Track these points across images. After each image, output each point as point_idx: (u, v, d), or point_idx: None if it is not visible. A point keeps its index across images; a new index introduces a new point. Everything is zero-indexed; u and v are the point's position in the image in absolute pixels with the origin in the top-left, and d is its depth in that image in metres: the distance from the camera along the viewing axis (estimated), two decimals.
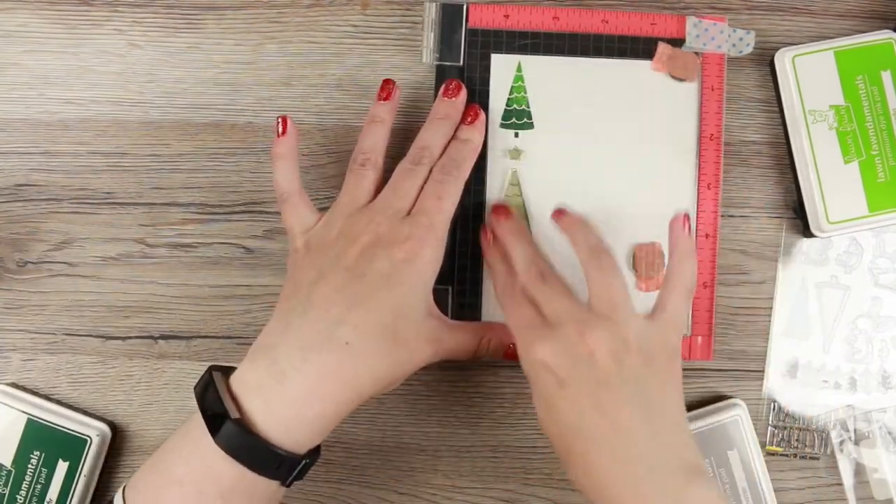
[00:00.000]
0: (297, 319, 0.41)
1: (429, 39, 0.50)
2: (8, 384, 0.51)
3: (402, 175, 0.45)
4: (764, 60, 0.52)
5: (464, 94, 0.48)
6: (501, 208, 0.49)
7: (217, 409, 0.39)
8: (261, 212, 0.51)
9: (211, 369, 0.41)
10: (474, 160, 0.47)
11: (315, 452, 0.42)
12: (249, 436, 0.39)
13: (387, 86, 0.48)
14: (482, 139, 0.48)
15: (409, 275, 0.42)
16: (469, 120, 0.48)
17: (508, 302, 0.45)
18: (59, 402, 0.51)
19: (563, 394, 0.40)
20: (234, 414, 0.39)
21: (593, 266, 0.43)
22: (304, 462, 0.40)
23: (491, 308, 0.50)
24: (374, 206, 0.44)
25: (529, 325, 0.43)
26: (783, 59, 0.50)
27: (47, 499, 0.49)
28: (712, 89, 0.51)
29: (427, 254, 0.43)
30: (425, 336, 0.43)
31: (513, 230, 0.47)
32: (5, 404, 0.49)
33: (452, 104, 0.48)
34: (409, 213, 0.44)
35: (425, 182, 0.45)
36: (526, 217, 0.50)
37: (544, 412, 0.42)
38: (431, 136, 0.47)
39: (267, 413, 0.39)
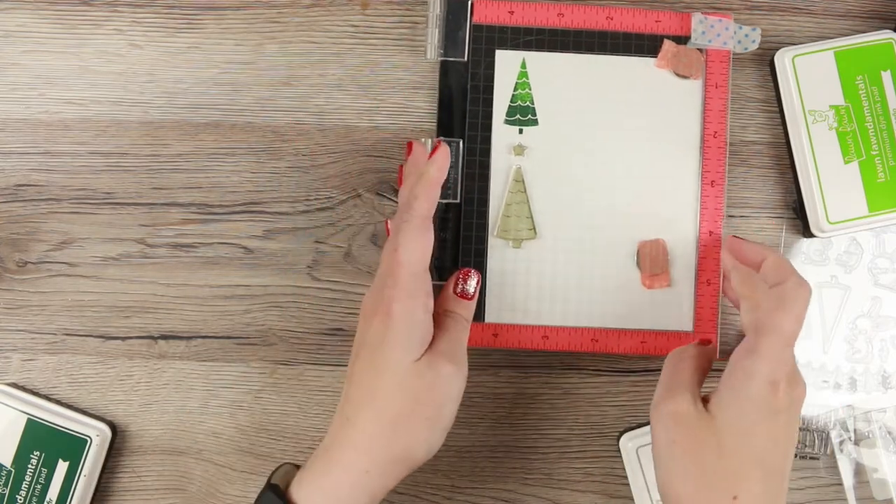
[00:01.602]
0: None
1: (433, 36, 0.50)
2: (8, 384, 0.51)
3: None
4: (764, 60, 0.52)
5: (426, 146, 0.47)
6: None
7: None
8: (261, 212, 0.51)
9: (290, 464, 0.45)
10: (431, 191, 0.45)
11: None
12: (278, 497, 0.41)
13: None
14: (441, 171, 0.46)
15: (391, 336, 0.42)
16: (430, 155, 0.46)
17: (797, 298, 0.42)
18: (59, 402, 0.51)
19: (773, 419, 0.40)
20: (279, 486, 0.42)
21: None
22: None
23: (493, 306, 0.50)
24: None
25: (792, 342, 0.42)
26: (783, 59, 0.50)
27: (47, 499, 0.49)
28: (716, 87, 0.51)
29: (396, 309, 0.42)
30: (439, 363, 0.43)
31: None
32: (5, 404, 0.49)
33: (422, 154, 0.47)
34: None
35: None
36: (529, 214, 0.50)
37: (734, 414, 0.41)
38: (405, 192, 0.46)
39: (298, 485, 0.42)
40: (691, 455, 0.41)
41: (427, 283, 0.44)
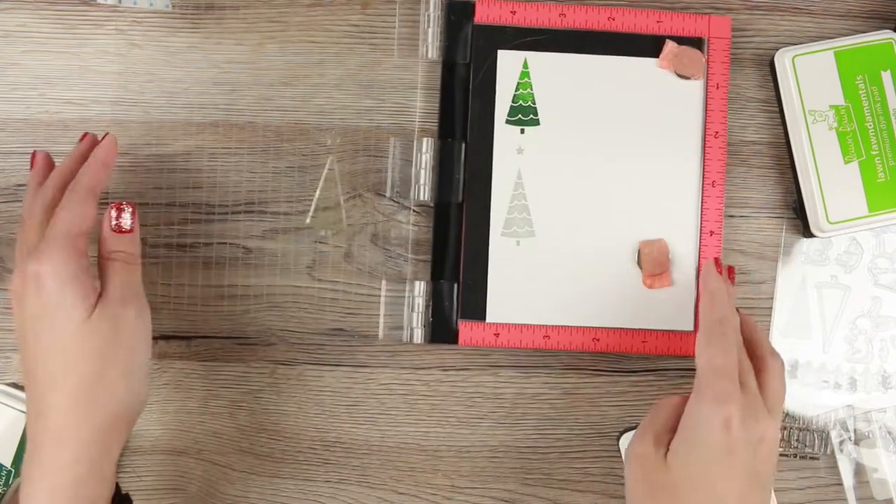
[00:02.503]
0: None
1: (427, 35, 0.50)
2: (8, 384, 0.51)
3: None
4: (764, 60, 0.52)
5: (88, 137, 0.46)
6: (730, 270, 0.49)
7: None
8: (261, 212, 0.51)
9: None
10: (99, 171, 0.44)
11: None
12: None
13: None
14: (101, 149, 0.45)
15: (47, 301, 0.40)
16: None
17: (720, 335, 0.43)
18: None
19: (726, 460, 0.40)
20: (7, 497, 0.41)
21: (777, 361, 0.44)
22: None
23: (495, 306, 0.50)
24: None
25: (731, 377, 0.41)
26: (783, 59, 0.50)
27: None
28: (717, 87, 0.51)
29: (44, 270, 0.40)
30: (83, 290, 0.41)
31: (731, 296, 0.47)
32: (5, 404, 0.49)
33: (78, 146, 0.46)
34: None
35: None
36: (528, 214, 0.50)
37: (684, 457, 0.40)
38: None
39: (25, 500, 0.40)
40: (651, 497, 0.41)
41: (82, 245, 0.41)
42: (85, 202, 0.42)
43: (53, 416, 0.40)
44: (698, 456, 0.40)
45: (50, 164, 0.46)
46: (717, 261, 0.48)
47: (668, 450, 0.41)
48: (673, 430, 0.42)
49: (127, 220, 0.43)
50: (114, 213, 0.43)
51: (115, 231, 0.43)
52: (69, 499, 0.40)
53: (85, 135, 0.47)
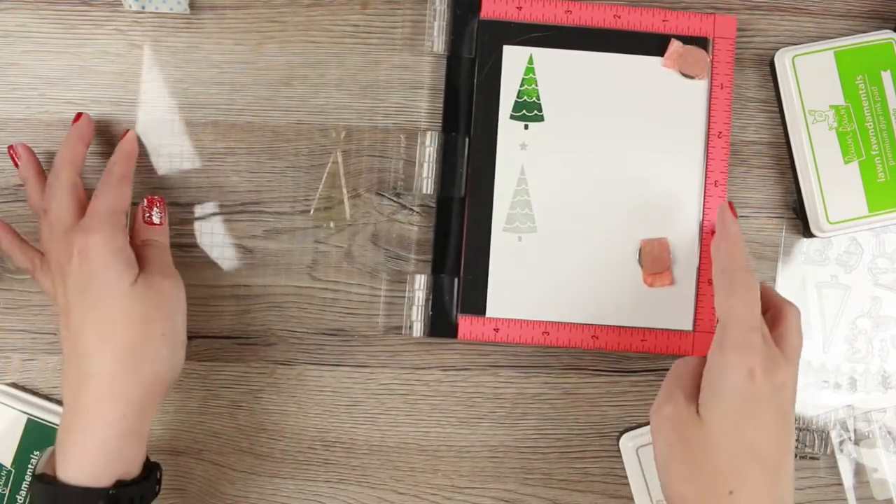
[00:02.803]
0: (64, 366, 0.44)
1: (435, 29, 0.50)
2: (8, 384, 0.51)
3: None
4: (764, 60, 0.52)
5: (84, 118, 0.49)
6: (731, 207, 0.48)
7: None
8: (261, 212, 0.51)
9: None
10: (128, 160, 0.48)
11: (143, 480, 0.44)
12: (46, 485, 0.42)
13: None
14: (124, 139, 0.49)
15: (96, 267, 0.43)
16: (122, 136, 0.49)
17: (744, 284, 0.43)
18: (59, 402, 0.50)
19: (754, 409, 0.40)
20: (39, 469, 0.43)
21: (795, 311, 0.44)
22: (112, 492, 0.42)
23: (495, 301, 0.50)
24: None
25: (753, 327, 0.41)
26: (783, 59, 0.50)
27: None
28: (721, 87, 0.51)
29: (92, 241, 0.43)
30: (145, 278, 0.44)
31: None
32: (5, 404, 0.49)
33: (75, 127, 0.49)
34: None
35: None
36: (531, 209, 0.50)
37: (714, 409, 0.41)
38: (57, 158, 0.47)
39: (63, 461, 0.42)
40: (686, 456, 0.41)
41: (122, 221, 0.45)
42: (121, 186, 0.46)
43: (104, 376, 0.42)
44: (728, 406, 0.40)
45: (34, 154, 0.50)
46: (731, 206, 0.48)
47: (697, 406, 0.41)
48: (698, 387, 0.42)
49: (157, 215, 0.48)
50: (146, 207, 0.48)
51: (147, 223, 0.47)
52: (113, 453, 0.42)
53: (79, 115, 0.49)
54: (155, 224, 0.48)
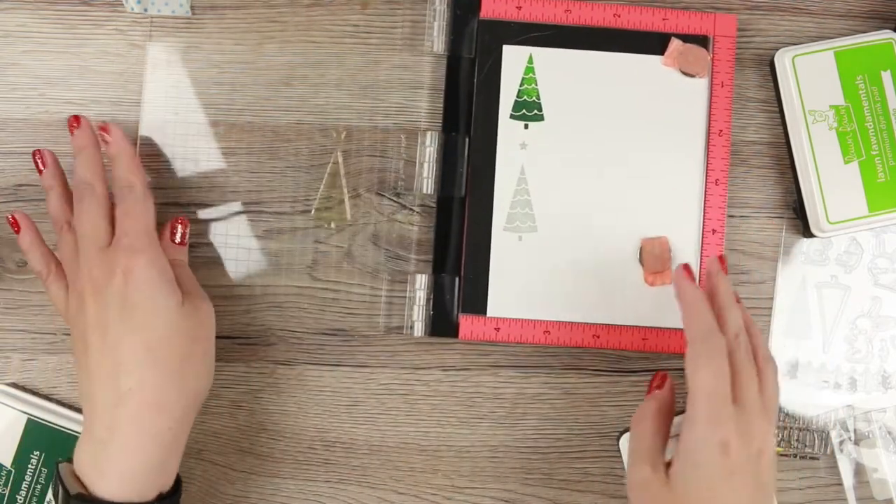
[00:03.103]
0: (84, 382, 0.44)
1: (434, 28, 0.50)
2: (8, 384, 0.51)
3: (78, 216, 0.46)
4: (764, 60, 0.52)
5: (85, 121, 0.49)
6: (721, 259, 0.46)
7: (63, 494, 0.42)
8: (261, 212, 0.51)
9: (57, 463, 0.43)
10: (139, 171, 0.47)
11: (174, 493, 0.44)
12: (89, 501, 0.41)
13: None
14: (125, 142, 0.48)
15: (147, 286, 0.43)
16: (106, 138, 0.48)
17: (706, 354, 0.41)
18: (59, 402, 0.51)
19: (730, 480, 0.39)
20: (73, 490, 0.41)
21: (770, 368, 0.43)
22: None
23: (496, 300, 0.50)
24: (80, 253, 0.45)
25: (722, 397, 0.40)
26: (783, 59, 0.50)
27: (47, 499, 0.49)
28: (722, 86, 0.51)
29: (142, 260, 0.43)
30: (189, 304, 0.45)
31: (730, 290, 0.44)
32: (5, 404, 0.49)
33: (83, 133, 0.48)
34: (109, 244, 0.45)
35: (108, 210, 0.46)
36: (531, 209, 0.50)
37: (687, 482, 0.40)
38: (84, 170, 0.47)
39: (99, 477, 0.42)
40: None
41: (158, 240, 0.46)
42: (147, 202, 0.46)
43: (150, 389, 0.43)
44: (702, 479, 0.39)
45: (59, 164, 0.49)
46: (721, 259, 0.46)
47: (668, 469, 0.41)
48: (662, 441, 0.42)
49: (185, 234, 0.49)
50: (174, 228, 0.48)
51: (174, 243, 0.48)
52: (158, 467, 0.43)
53: (77, 119, 0.49)
54: (183, 244, 0.49)
